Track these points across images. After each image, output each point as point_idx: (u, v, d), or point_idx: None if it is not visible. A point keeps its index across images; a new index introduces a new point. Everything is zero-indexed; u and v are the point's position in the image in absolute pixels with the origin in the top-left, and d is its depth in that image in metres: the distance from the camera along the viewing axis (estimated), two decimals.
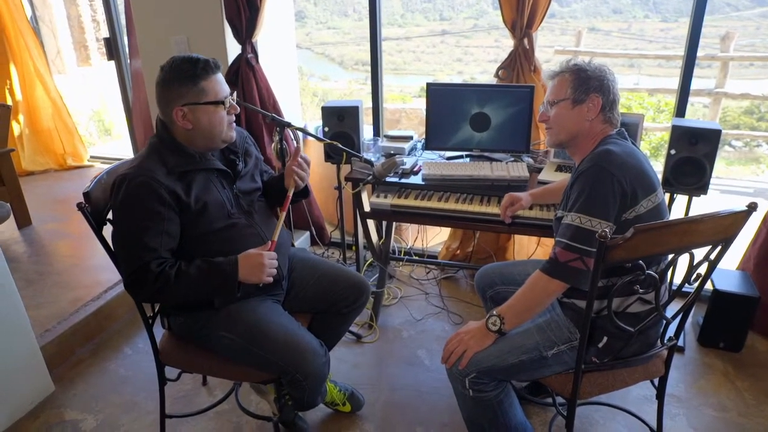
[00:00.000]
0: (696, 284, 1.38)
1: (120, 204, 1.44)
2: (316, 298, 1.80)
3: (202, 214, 1.50)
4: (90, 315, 2.48)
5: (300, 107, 3.71)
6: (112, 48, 3.81)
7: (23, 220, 3.38)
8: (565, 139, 1.52)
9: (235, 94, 1.58)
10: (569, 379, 1.45)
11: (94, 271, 2.83)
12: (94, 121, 6.12)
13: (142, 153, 1.52)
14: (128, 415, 2.09)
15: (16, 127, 4.15)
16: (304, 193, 1.81)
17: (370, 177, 1.98)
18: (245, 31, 2.69)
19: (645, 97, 6.75)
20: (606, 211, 1.34)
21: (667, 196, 2.20)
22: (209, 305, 1.56)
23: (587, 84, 1.44)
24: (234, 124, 1.58)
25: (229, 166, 1.62)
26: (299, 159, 1.68)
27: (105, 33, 3.83)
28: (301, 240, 3.08)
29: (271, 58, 3.10)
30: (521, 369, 1.48)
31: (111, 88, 5.00)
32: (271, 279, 1.49)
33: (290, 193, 1.67)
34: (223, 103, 1.50)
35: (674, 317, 1.43)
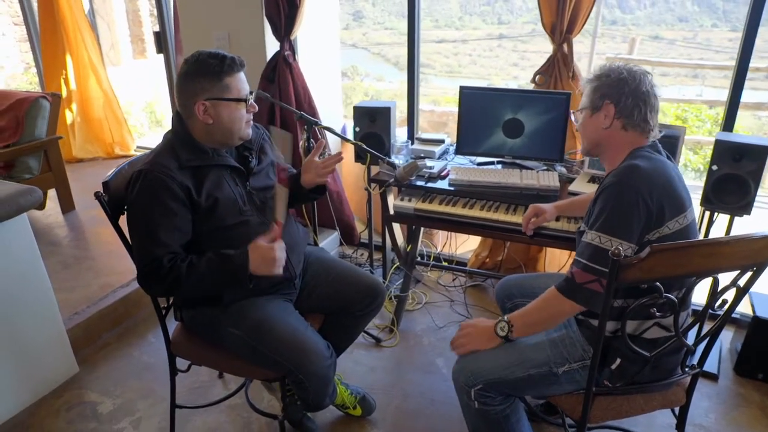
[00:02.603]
0: (726, 307, 1.28)
1: (135, 199, 1.46)
2: (329, 298, 1.78)
3: (213, 211, 1.51)
4: (118, 301, 2.55)
5: (342, 106, 3.70)
6: (161, 42, 3.93)
7: (67, 206, 3.52)
8: (590, 147, 1.47)
9: (254, 93, 1.58)
10: (579, 401, 1.37)
11: (127, 258, 2.87)
12: (146, 112, 6.35)
13: (157, 148, 1.54)
14: (144, 401, 2.13)
15: (68, 116, 4.34)
16: (320, 190, 1.80)
17: (392, 180, 1.95)
18: (284, 28, 2.71)
19: (704, 109, 6.43)
20: (629, 230, 1.26)
21: (707, 214, 2.07)
22: (218, 300, 1.57)
23: (601, 90, 1.38)
24: (251, 122, 1.59)
25: (242, 163, 1.62)
26: (334, 156, 1.70)
27: (157, 27, 3.95)
28: (330, 239, 3.07)
29: (312, 56, 3.11)
30: (529, 384, 1.42)
31: (163, 81, 5.18)
32: (281, 270, 1.47)
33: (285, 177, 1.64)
34: (245, 101, 1.51)
35: (697, 344, 1.32)
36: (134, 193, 1.46)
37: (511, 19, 19.97)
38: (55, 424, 2.04)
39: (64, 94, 4.28)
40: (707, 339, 1.34)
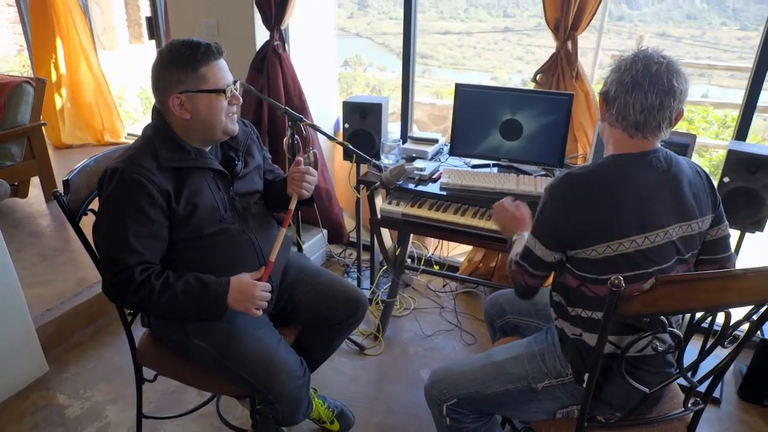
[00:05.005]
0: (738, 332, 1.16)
1: (107, 199, 1.33)
2: (307, 310, 1.66)
3: (191, 218, 1.38)
4: (93, 298, 2.44)
5: (340, 98, 3.57)
6: (153, 27, 3.80)
7: (50, 194, 3.40)
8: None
9: (239, 83, 1.45)
10: (568, 430, 1.26)
11: None
12: (141, 98, 6.21)
13: (136, 144, 1.40)
14: (113, 406, 2.03)
15: (58, 101, 4.22)
16: (308, 202, 1.67)
17: (378, 183, 1.82)
18: (274, 16, 2.57)
19: (710, 110, 6.27)
20: (549, 238, 1.23)
21: None
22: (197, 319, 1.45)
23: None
24: (236, 116, 1.46)
25: (227, 165, 1.49)
26: (300, 169, 1.55)
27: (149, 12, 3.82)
28: (317, 239, 2.96)
29: (304, 47, 2.98)
30: (507, 400, 1.32)
31: None
32: (259, 313, 1.36)
33: (292, 206, 1.54)
34: (224, 92, 1.38)
35: (702, 381, 1.20)
36: (108, 192, 1.32)
37: (516, 13, 19.69)
38: (18, 428, 1.94)
39: (53, 78, 4.16)
40: (713, 377, 1.22)
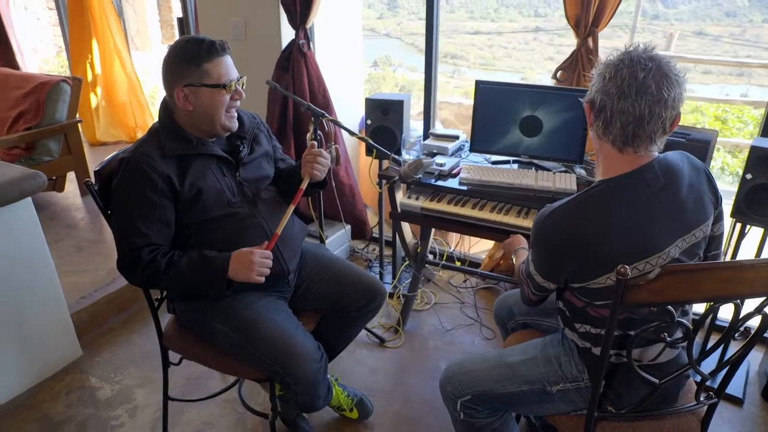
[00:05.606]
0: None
1: (116, 187, 1.44)
2: (325, 298, 1.71)
3: (196, 201, 1.46)
4: (124, 287, 2.54)
5: (364, 97, 3.61)
6: (184, 28, 3.91)
7: (85, 189, 3.53)
8: None
9: (244, 79, 1.51)
10: (580, 425, 1.27)
11: None
12: None
13: (143, 136, 1.50)
14: (142, 389, 2.12)
15: (93, 100, 4.38)
16: (321, 184, 1.72)
17: (396, 177, 1.86)
18: (299, 15, 2.63)
19: (747, 109, 6.10)
20: (547, 270, 1.23)
21: (738, 226, 1.92)
22: (206, 295, 1.52)
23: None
24: (235, 112, 1.52)
25: (233, 153, 1.56)
26: (313, 152, 1.60)
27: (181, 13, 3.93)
28: (340, 234, 3.01)
29: (330, 46, 3.04)
30: (521, 400, 1.33)
31: None
32: (261, 279, 1.41)
33: (302, 186, 1.59)
34: (225, 87, 1.44)
35: (715, 373, 1.21)
36: (116, 181, 1.43)
37: (548, 12, 19.44)
38: (54, 407, 2.04)
39: (89, 77, 4.32)
40: (728, 368, 1.22)
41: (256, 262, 1.39)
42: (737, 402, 2.04)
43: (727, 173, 5.32)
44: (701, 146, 1.81)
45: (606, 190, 1.12)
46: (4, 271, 1.94)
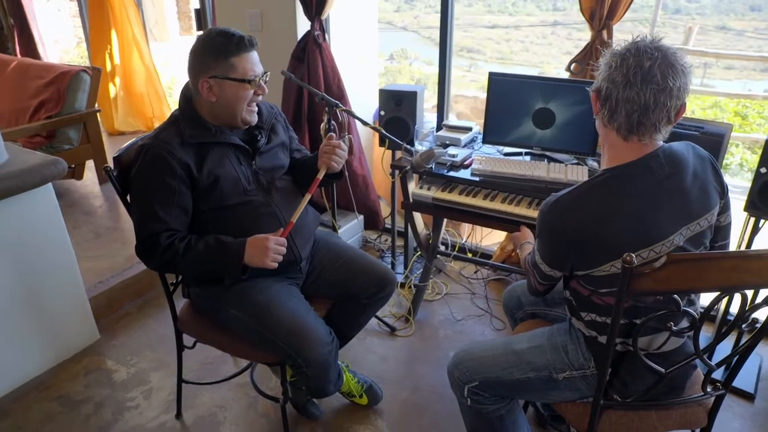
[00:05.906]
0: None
1: (136, 174, 1.47)
2: (336, 284, 1.74)
3: (213, 188, 1.49)
4: (141, 273, 2.59)
5: (378, 88, 3.63)
6: (201, 19, 3.95)
7: (104, 177, 3.57)
8: None
9: (268, 74, 1.53)
10: (586, 413, 1.29)
11: None
12: None
13: (163, 124, 1.54)
14: (156, 373, 2.17)
15: (112, 90, 4.45)
16: (338, 175, 1.74)
17: (408, 167, 1.88)
18: (315, 7, 2.65)
19: None
20: (551, 258, 1.25)
21: (752, 221, 1.91)
22: (221, 280, 1.55)
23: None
24: (256, 106, 1.55)
25: (250, 142, 1.58)
26: (332, 143, 1.62)
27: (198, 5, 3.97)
28: (354, 223, 3.03)
29: (345, 37, 3.05)
30: (528, 387, 1.35)
31: None
32: (275, 265, 1.44)
33: (319, 176, 1.61)
34: (249, 82, 1.47)
35: (721, 364, 1.21)
36: (136, 167, 1.47)
37: (566, 6, 19.21)
38: (73, 387, 2.10)
39: (108, 68, 4.38)
40: (734, 359, 1.22)
41: (270, 248, 1.42)
42: (749, 397, 2.03)
43: (746, 169, 5.24)
44: (715, 140, 1.80)
45: (611, 179, 1.14)
46: (25, 255, 2.00)
